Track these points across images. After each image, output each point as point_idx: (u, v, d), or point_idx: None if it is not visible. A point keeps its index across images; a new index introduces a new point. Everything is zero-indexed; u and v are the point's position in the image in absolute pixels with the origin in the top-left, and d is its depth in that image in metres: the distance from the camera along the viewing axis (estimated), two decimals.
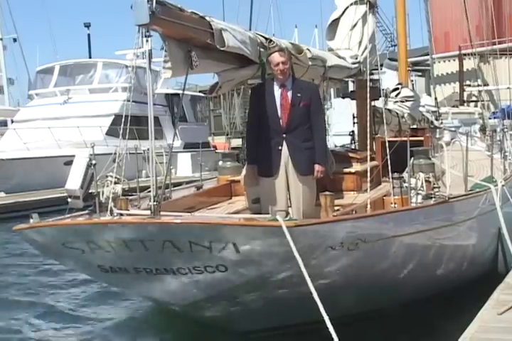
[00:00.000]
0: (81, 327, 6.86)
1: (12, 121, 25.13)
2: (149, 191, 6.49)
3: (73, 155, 19.59)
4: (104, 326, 6.82)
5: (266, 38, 6.13)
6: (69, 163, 19.70)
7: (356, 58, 8.22)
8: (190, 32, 5.04)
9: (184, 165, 21.74)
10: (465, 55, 23.97)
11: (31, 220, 4.76)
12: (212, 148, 25.09)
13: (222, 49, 5.36)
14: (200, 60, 5.13)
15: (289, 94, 5.87)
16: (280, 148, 5.87)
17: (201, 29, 5.15)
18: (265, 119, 5.86)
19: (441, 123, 12.87)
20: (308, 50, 6.78)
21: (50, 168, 18.68)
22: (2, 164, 18.12)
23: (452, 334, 4.93)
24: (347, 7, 8.43)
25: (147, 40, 4.46)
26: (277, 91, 5.88)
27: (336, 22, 8.69)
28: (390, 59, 18.16)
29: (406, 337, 5.92)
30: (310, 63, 6.73)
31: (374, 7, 8.37)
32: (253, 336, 5.38)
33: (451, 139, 11.56)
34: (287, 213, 4.58)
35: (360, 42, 8.38)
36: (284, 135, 5.87)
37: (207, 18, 5.25)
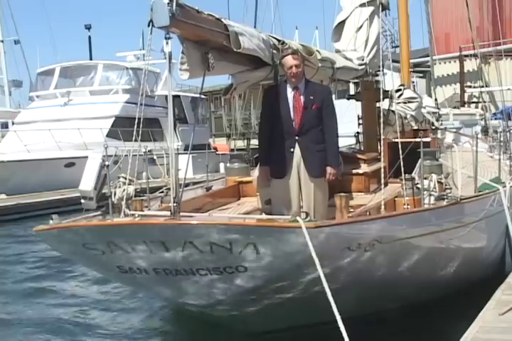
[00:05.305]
0: (93, 327, 6.89)
1: (13, 123, 25.10)
2: (161, 191, 6.54)
3: (74, 157, 19.44)
4: (117, 326, 6.85)
5: (278, 40, 6.15)
6: (69, 165, 19.65)
7: (363, 60, 8.24)
8: (207, 34, 5.05)
9: (185, 167, 21.64)
10: (466, 56, 24.05)
11: (51, 221, 4.72)
12: (212, 150, 25.09)
13: (238, 51, 5.37)
14: (216, 62, 5.15)
15: (302, 96, 5.89)
16: (292, 150, 5.90)
17: (218, 31, 5.16)
18: (278, 121, 5.88)
19: (441, 124, 12.93)
20: (318, 51, 6.80)
21: (51, 170, 18.72)
22: (3, 166, 18.12)
23: (453, 334, 4.96)
24: (354, 8, 8.44)
25: (167, 43, 4.45)
26: (290, 93, 5.90)
27: (342, 23, 8.70)
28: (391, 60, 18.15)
29: (407, 336, 5.92)
30: (320, 65, 6.75)
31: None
32: (268, 336, 5.38)
33: (453, 140, 11.63)
34: (307, 214, 4.59)
35: (366, 44, 8.40)
36: (297, 137, 5.90)
37: (223, 21, 5.26)
